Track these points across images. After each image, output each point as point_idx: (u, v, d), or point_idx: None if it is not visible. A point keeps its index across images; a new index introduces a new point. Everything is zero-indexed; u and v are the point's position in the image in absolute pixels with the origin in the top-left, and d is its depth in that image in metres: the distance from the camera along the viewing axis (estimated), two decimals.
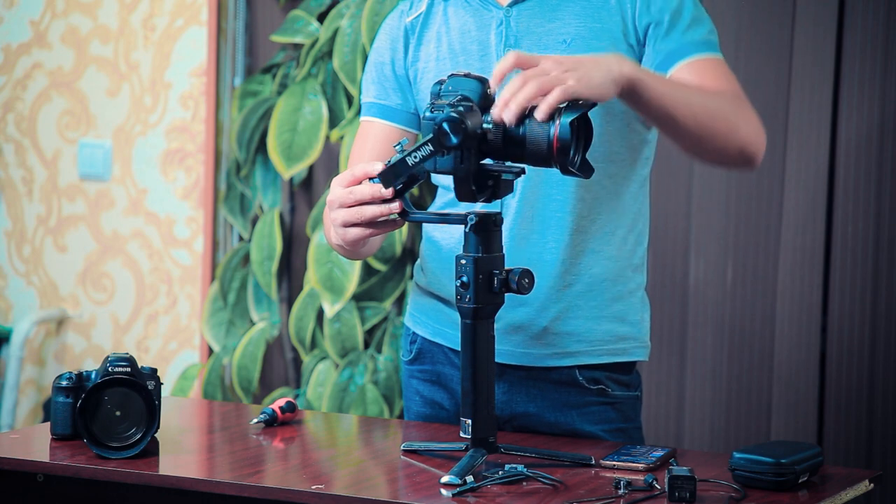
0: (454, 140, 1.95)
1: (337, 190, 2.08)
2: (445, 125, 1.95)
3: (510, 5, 2.26)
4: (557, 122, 1.94)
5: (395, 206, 2.05)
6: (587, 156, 1.99)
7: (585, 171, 1.99)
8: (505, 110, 1.94)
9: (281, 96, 3.67)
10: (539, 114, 1.93)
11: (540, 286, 2.20)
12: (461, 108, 1.96)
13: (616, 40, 2.21)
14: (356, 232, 2.09)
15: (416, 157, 1.99)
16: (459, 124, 1.94)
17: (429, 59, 2.31)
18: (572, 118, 1.94)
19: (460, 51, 2.28)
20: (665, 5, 2.20)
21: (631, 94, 2.02)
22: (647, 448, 2.12)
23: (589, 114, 1.98)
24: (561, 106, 1.95)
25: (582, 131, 1.98)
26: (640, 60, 2.21)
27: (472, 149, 1.97)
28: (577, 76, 1.94)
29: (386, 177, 2.03)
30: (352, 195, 2.06)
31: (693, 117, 2.08)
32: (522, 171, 2.03)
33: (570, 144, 1.95)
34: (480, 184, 2.01)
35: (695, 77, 2.16)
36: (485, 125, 1.97)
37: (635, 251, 2.31)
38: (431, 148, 1.97)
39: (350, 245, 2.14)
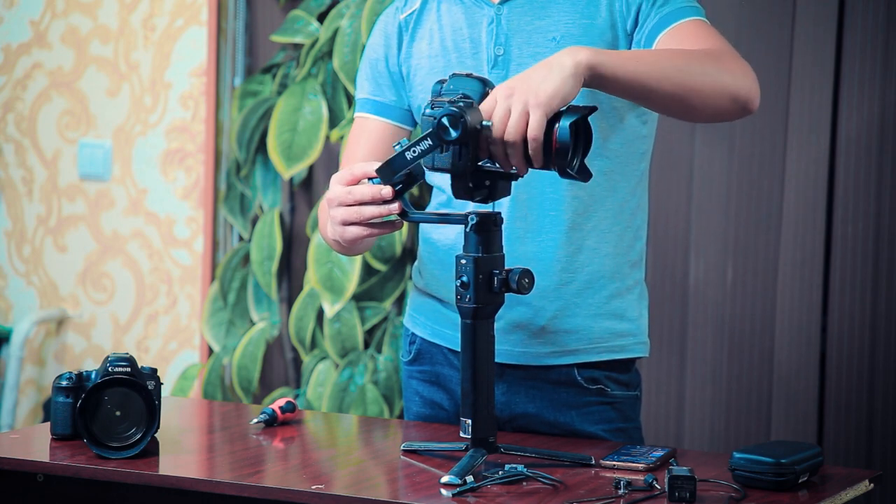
0: (453, 134, 1.95)
1: (336, 188, 2.08)
2: (445, 119, 1.94)
3: (501, 3, 2.25)
4: (557, 125, 1.95)
5: (395, 206, 2.05)
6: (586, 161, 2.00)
7: (583, 174, 1.99)
8: (515, 168, 1.98)
9: (281, 96, 3.67)
10: (536, 164, 1.97)
11: (537, 285, 2.19)
12: (461, 104, 1.96)
13: (605, 36, 2.21)
14: (355, 231, 2.08)
15: (415, 151, 1.98)
16: (458, 118, 1.94)
17: (422, 56, 2.31)
18: (571, 121, 1.95)
19: (453, 48, 2.28)
20: None
21: (596, 78, 2.01)
22: (647, 448, 2.12)
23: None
24: (561, 109, 1.96)
25: (582, 136, 1.98)
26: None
27: (470, 145, 1.97)
28: (534, 99, 1.95)
29: (384, 172, 2.02)
30: (351, 195, 2.06)
31: (668, 81, 2.06)
32: (519, 174, 2.03)
33: (569, 146, 1.95)
34: (477, 182, 2.01)
35: (676, 43, 2.16)
36: (484, 123, 1.97)
37: (633, 247, 2.31)
38: (430, 143, 1.97)
39: (348, 243, 2.14)
